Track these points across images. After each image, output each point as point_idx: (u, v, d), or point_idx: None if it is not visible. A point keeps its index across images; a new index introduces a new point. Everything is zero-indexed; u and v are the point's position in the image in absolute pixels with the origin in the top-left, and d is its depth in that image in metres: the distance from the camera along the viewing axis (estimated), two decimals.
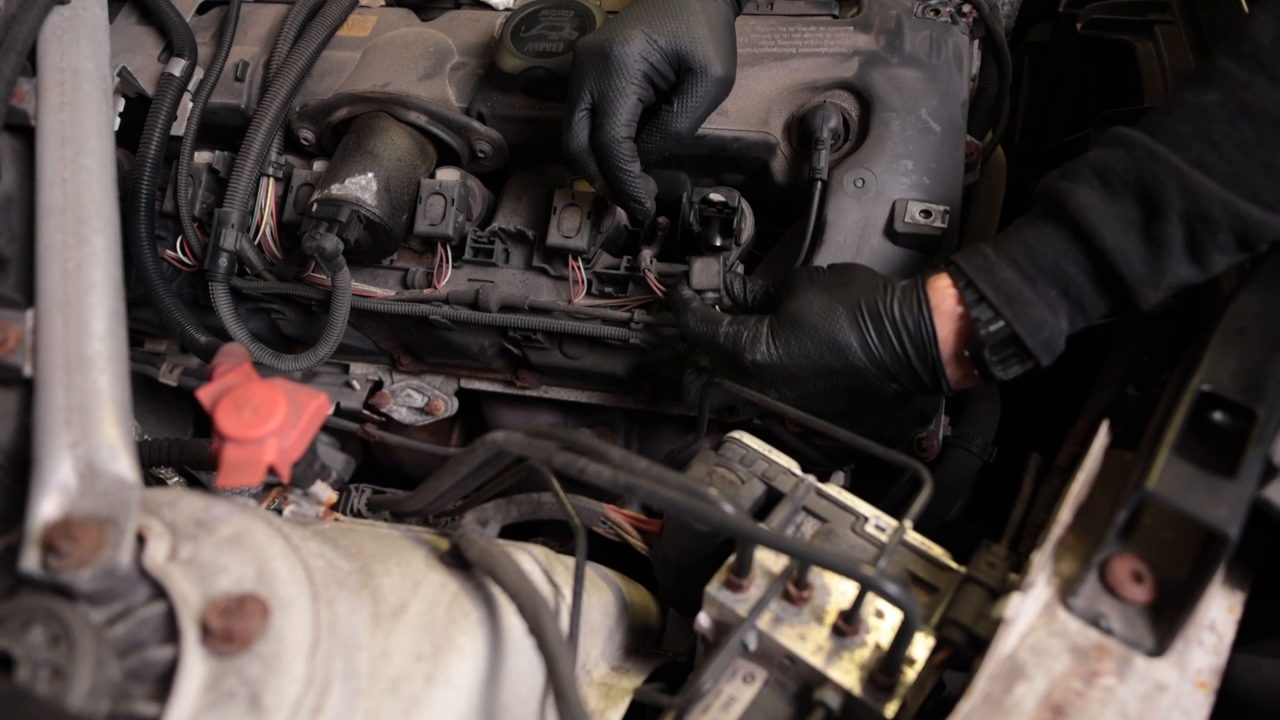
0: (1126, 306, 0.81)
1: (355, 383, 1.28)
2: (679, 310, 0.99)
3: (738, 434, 0.86)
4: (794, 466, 0.83)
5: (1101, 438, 0.72)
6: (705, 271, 1.04)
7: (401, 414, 1.26)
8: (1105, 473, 0.73)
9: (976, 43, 1.22)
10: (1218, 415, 0.70)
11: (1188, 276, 0.79)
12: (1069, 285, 0.80)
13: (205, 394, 0.69)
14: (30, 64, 0.86)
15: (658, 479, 0.64)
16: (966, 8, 1.18)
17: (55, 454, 0.63)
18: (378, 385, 1.28)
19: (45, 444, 0.63)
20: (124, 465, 0.63)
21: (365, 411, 1.27)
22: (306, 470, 0.76)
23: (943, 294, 0.84)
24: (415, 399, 1.26)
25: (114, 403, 0.66)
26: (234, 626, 0.53)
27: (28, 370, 0.67)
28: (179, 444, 0.99)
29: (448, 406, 1.25)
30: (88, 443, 0.63)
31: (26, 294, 0.73)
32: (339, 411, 1.28)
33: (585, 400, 1.21)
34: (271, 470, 0.67)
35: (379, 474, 1.59)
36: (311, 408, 0.70)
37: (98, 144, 0.79)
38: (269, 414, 0.67)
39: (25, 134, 0.82)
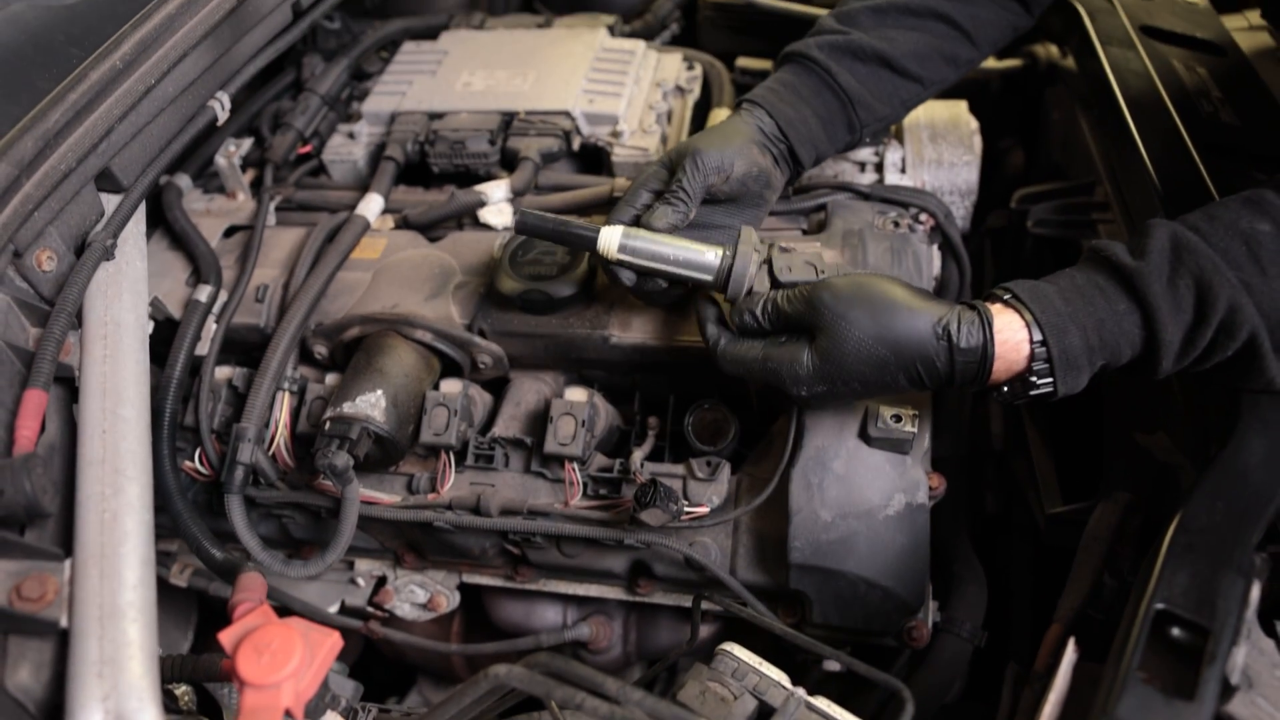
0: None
1: (360, 579, 1.32)
2: (707, 339, 1.03)
3: (729, 646, 0.90)
4: (784, 679, 0.87)
5: (1069, 655, 0.76)
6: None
7: (404, 610, 1.30)
8: (1076, 686, 0.77)
9: (936, 246, 1.33)
10: (1175, 631, 0.74)
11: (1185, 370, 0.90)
12: (1118, 360, 0.90)
13: (226, 637, 0.74)
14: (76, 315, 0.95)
15: (652, 711, 0.68)
16: (924, 216, 1.29)
17: (87, 706, 0.67)
18: (381, 581, 1.32)
19: (77, 696, 0.68)
20: (151, 715, 0.67)
21: (369, 609, 1.31)
22: (318, 704, 0.80)
23: (1014, 348, 0.90)
24: (418, 595, 1.30)
25: (143, 653, 0.71)
26: None
27: (64, 623, 0.72)
28: (191, 660, 1.02)
29: (449, 601, 1.29)
30: (118, 695, 0.68)
31: (65, 544, 0.79)
32: (343, 609, 1.32)
33: (583, 593, 1.25)
34: (288, 713, 0.71)
35: (380, 660, 1.60)
36: (325, 646, 0.75)
37: (135, 394, 0.87)
38: (286, 657, 0.72)
39: (68, 383, 0.90)
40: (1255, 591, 0.76)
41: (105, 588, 0.73)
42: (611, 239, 1.04)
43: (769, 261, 1.04)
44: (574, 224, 1.05)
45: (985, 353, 0.90)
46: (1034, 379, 0.90)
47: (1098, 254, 0.92)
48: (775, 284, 1.03)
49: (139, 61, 1.09)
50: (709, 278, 1.03)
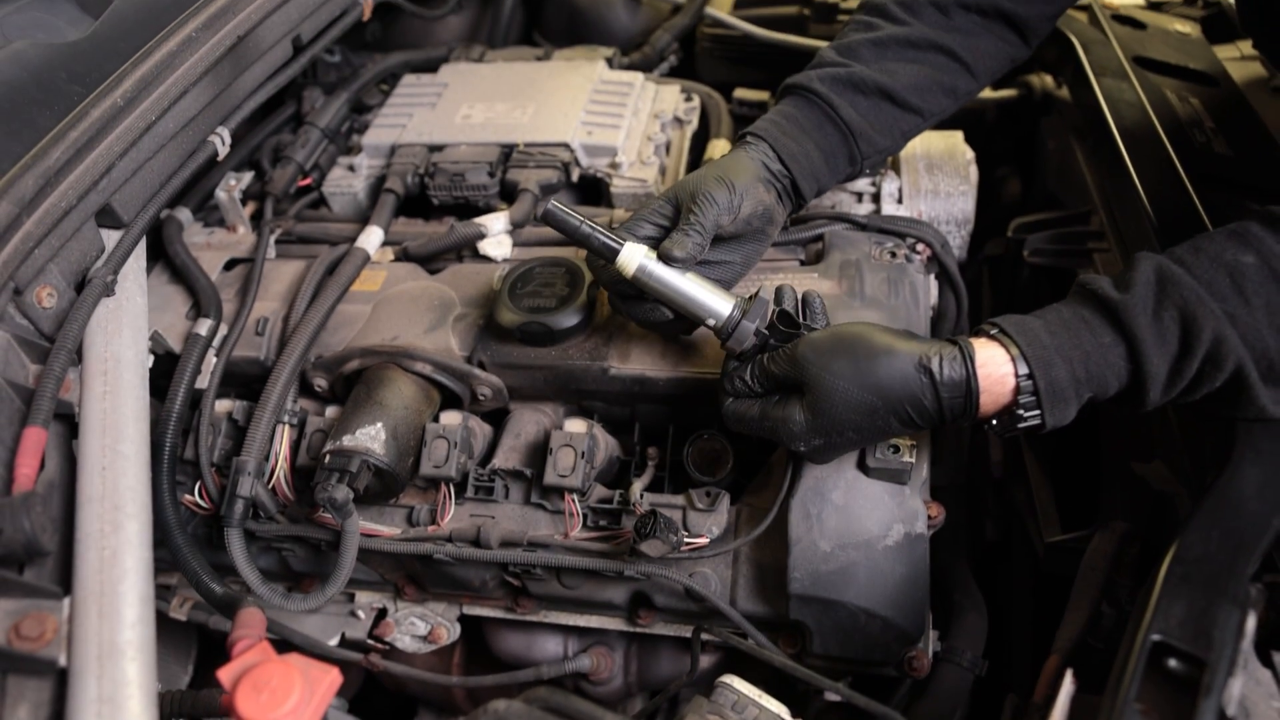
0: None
1: (360, 612, 1.32)
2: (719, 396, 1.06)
3: (729, 678, 0.90)
4: (784, 712, 0.87)
5: (1067, 687, 0.76)
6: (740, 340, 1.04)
7: (405, 642, 1.29)
8: (1074, 718, 0.77)
9: (933, 275, 1.34)
10: (1172, 662, 0.74)
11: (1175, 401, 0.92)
12: (1105, 392, 0.90)
13: (225, 674, 0.74)
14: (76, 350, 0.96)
15: None
16: (921, 246, 1.30)
17: None
18: (382, 613, 1.31)
19: None
20: None
21: (370, 641, 1.30)
22: None
23: (999, 381, 0.91)
24: (419, 627, 1.29)
25: (142, 691, 0.71)
26: None
27: (62, 661, 0.72)
28: (190, 697, 1.02)
29: (450, 633, 1.28)
30: None
31: (63, 582, 0.79)
32: (344, 641, 1.31)
33: (584, 624, 1.25)
34: None
35: (381, 693, 1.59)
36: (324, 683, 0.75)
37: (135, 430, 0.87)
38: (285, 694, 0.72)
39: (67, 419, 0.91)
40: (1251, 622, 0.76)
41: (104, 626, 0.73)
42: (633, 257, 1.03)
43: (771, 331, 1.03)
44: (600, 230, 1.04)
45: (969, 386, 0.91)
46: (1021, 411, 0.91)
47: (1084, 288, 0.94)
48: (765, 347, 1.03)
49: (140, 98, 1.10)
50: (715, 323, 1.04)
